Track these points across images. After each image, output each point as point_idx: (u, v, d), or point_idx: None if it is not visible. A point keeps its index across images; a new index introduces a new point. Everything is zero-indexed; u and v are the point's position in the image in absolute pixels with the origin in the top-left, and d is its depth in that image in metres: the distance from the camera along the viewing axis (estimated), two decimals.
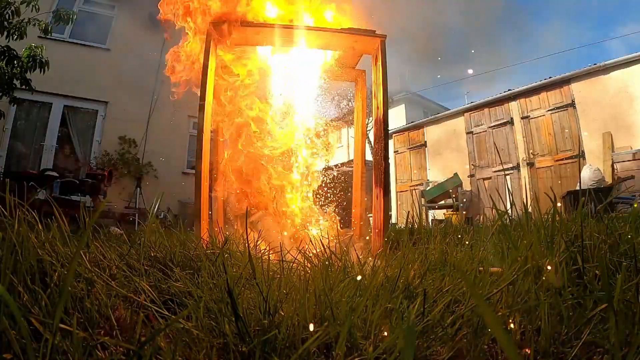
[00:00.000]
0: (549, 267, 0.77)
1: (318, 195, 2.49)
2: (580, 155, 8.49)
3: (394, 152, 13.17)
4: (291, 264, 1.06)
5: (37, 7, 5.20)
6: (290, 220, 2.25)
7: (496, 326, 0.25)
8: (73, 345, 0.56)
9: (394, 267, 1.12)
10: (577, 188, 6.46)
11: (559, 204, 1.04)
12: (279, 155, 2.31)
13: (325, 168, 2.53)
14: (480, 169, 10.59)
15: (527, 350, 0.65)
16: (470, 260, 1.07)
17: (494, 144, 10.23)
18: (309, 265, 1.09)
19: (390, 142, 13.06)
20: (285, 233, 2.12)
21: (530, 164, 9.51)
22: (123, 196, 8.24)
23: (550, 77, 9.31)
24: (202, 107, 1.99)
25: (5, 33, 5.02)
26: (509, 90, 10.15)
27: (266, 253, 1.20)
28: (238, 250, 1.41)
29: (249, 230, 1.40)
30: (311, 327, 0.62)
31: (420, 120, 13.05)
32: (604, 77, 8.39)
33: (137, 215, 6.73)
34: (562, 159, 8.91)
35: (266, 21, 2.19)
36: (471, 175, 10.70)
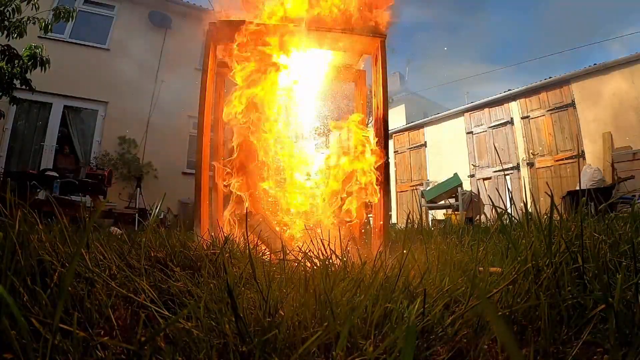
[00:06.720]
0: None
1: (317, 195, 2.49)
2: (580, 155, 8.50)
3: (394, 152, 13.18)
4: (291, 264, 1.06)
5: (37, 5, 5.20)
6: (291, 220, 2.25)
7: (498, 324, 0.25)
8: (73, 345, 0.56)
9: (393, 267, 1.12)
10: (577, 188, 6.45)
11: (559, 204, 1.04)
12: (282, 156, 2.30)
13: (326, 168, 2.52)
14: (480, 169, 10.60)
15: (526, 350, 0.65)
16: (470, 260, 1.07)
17: (494, 144, 10.24)
18: (309, 264, 1.09)
19: (390, 142, 13.06)
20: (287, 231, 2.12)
21: (530, 164, 9.52)
22: (123, 196, 8.24)
23: (550, 77, 9.32)
24: (202, 107, 1.99)
25: (5, 32, 5.02)
26: (509, 90, 10.16)
27: (266, 253, 1.20)
28: (238, 250, 1.41)
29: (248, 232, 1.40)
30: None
31: (420, 120, 13.06)
32: (604, 77, 8.40)
33: (137, 215, 6.73)
34: (562, 159, 8.92)
35: (265, 22, 2.19)
36: (471, 175, 10.71)
